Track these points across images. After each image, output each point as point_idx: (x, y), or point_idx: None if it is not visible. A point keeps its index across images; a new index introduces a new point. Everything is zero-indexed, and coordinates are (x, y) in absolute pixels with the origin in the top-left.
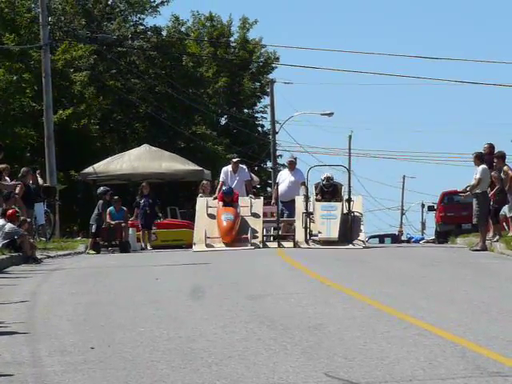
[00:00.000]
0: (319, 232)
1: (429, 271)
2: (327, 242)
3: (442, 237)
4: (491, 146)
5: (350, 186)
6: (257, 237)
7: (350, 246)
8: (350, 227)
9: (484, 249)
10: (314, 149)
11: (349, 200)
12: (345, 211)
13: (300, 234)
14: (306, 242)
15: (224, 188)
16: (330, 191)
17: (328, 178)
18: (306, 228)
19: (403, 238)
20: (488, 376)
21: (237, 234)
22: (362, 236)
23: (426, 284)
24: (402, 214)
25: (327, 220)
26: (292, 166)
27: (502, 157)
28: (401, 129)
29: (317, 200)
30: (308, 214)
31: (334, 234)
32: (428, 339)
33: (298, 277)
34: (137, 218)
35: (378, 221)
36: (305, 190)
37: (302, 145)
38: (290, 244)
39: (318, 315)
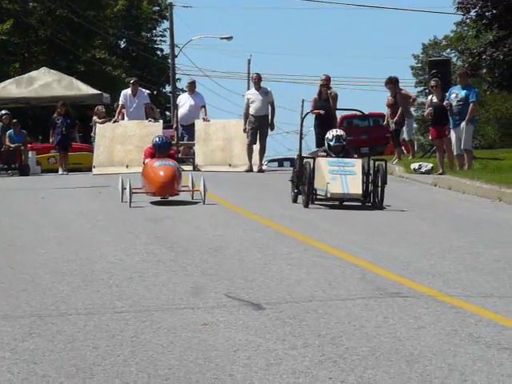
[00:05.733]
0: (327, 184)
1: None
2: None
3: None
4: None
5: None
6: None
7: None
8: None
9: None
10: (213, 73)
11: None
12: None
13: (200, 158)
14: (306, 205)
15: (157, 139)
16: (339, 157)
17: (338, 137)
18: (309, 185)
19: None
20: (388, 296)
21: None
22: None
23: (327, 207)
24: (301, 138)
25: (341, 175)
26: (192, 88)
27: (395, 82)
28: (300, 53)
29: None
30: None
31: (355, 189)
32: (328, 261)
33: (198, 200)
34: (54, 139)
35: (276, 144)
36: (204, 112)
37: (201, 68)
38: (190, 167)
39: (218, 237)
